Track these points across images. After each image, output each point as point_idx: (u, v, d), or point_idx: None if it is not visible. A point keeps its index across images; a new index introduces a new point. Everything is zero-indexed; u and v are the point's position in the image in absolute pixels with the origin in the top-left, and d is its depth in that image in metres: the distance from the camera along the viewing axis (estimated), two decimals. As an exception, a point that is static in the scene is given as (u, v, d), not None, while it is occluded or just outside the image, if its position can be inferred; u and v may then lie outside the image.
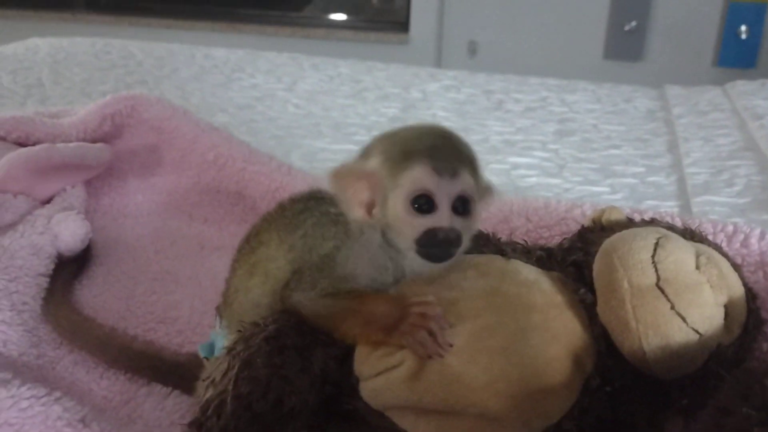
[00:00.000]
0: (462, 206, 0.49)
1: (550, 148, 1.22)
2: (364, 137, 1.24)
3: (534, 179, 1.08)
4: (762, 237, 0.61)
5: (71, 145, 0.88)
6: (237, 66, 1.62)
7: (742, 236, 0.61)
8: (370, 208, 0.50)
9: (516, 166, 1.13)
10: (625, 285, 0.47)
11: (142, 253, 0.81)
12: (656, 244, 0.48)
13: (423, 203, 0.48)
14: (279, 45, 2.25)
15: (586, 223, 0.60)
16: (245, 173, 0.88)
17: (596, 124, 1.36)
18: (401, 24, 2.59)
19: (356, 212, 0.50)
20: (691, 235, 0.54)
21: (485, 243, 0.56)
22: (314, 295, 0.50)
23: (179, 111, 0.95)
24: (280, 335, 0.49)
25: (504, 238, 0.59)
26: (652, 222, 0.57)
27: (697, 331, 0.46)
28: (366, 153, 0.52)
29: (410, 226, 0.49)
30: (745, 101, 1.35)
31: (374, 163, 0.50)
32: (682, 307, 0.46)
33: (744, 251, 0.60)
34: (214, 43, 1.89)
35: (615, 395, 0.49)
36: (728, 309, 0.50)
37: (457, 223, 0.49)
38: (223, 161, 0.90)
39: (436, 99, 1.48)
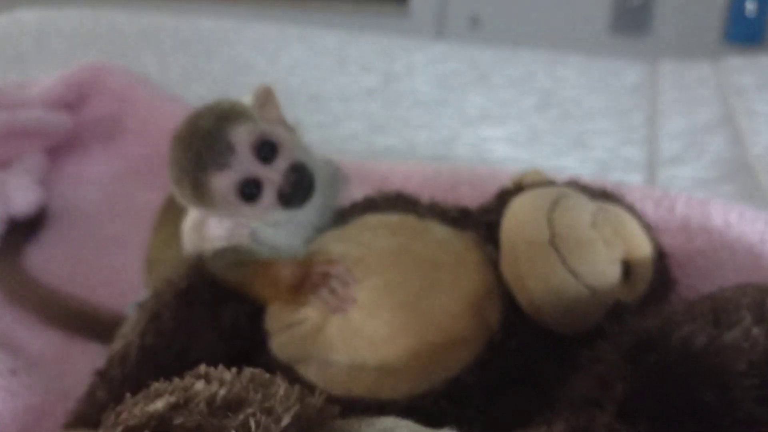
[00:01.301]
0: (267, 152, 0.51)
1: (526, 121, 1.23)
2: (341, 109, 1.28)
3: (503, 152, 1.11)
4: (687, 203, 0.63)
5: (32, 112, 0.91)
6: (222, 37, 1.65)
7: (668, 201, 0.64)
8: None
9: (486, 139, 1.15)
10: (521, 242, 0.50)
11: (96, 218, 0.85)
12: (553, 202, 0.50)
13: (245, 192, 0.51)
14: (276, 15, 2.28)
15: (511, 186, 0.62)
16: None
17: (578, 97, 1.37)
18: (400, -4, 2.60)
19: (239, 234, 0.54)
20: (605, 196, 0.56)
21: (403, 204, 0.58)
22: (223, 266, 0.53)
23: (141, 80, 0.98)
24: (190, 291, 0.52)
25: (425, 201, 0.61)
26: (571, 183, 0.59)
27: (588, 287, 0.49)
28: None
29: (251, 213, 0.52)
30: (731, 77, 1.36)
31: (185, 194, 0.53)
32: (573, 262, 0.49)
33: (668, 216, 0.63)
34: (209, 12, 1.92)
35: (519, 351, 0.52)
36: (632, 267, 0.52)
37: (275, 169, 0.51)
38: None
39: (420, 71, 1.50)
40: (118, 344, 0.52)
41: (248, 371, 0.35)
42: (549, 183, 0.60)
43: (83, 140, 0.99)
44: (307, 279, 0.51)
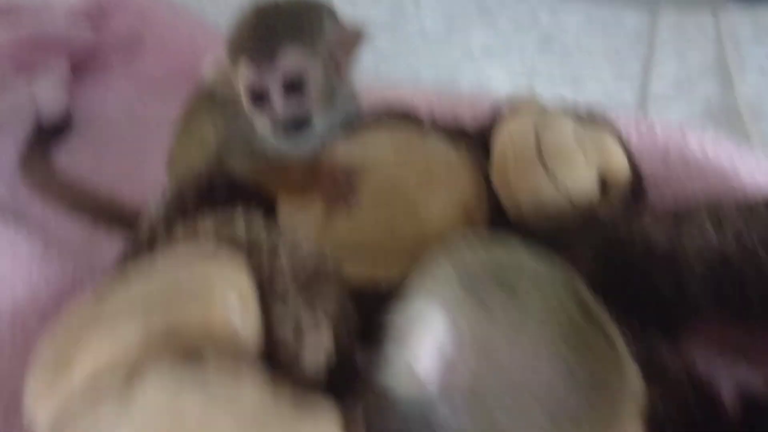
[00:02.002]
0: (294, 87, 0.54)
1: (527, 61, 1.27)
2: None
3: (504, 87, 1.15)
4: (668, 132, 0.68)
5: (57, 21, 0.95)
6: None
7: (650, 128, 0.69)
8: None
9: (489, 77, 1.19)
10: (511, 154, 0.55)
11: (118, 127, 0.90)
12: (542, 121, 0.56)
13: (258, 96, 0.54)
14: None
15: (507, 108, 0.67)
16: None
17: (579, 40, 1.40)
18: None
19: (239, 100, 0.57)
20: (590, 119, 0.61)
21: (406, 118, 0.63)
22: (239, 164, 0.58)
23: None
24: (210, 182, 0.57)
25: (427, 119, 0.66)
26: (560, 108, 0.64)
27: (568, 197, 0.54)
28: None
29: (259, 121, 0.56)
30: (730, 24, 1.39)
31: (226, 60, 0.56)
32: (555, 172, 0.54)
33: (649, 141, 0.68)
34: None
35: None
36: (608, 183, 0.57)
37: (293, 105, 0.55)
38: (198, 48, 0.97)
39: (427, 4, 1.51)
40: (144, 223, 0.57)
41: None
42: (541, 106, 0.64)
43: (104, 56, 1.03)
44: (316, 179, 0.56)
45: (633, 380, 0.31)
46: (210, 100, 0.62)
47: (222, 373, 0.25)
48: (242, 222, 0.35)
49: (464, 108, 0.83)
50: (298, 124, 0.55)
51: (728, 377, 0.46)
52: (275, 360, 0.30)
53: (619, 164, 0.58)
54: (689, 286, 0.46)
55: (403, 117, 0.64)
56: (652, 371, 0.40)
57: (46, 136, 0.82)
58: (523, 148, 0.55)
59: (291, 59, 0.53)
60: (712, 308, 0.47)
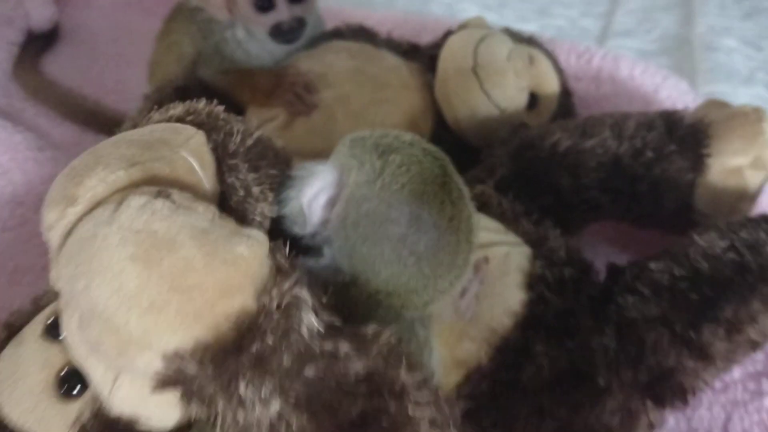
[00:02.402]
0: None
1: (500, -13, 1.33)
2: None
3: (473, 13, 1.21)
4: (603, 57, 0.76)
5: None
6: None
7: (588, 55, 0.77)
8: (231, 8, 0.64)
9: (460, 9, 1.25)
10: (450, 68, 0.64)
11: (102, 38, 0.97)
12: (480, 38, 0.64)
13: (263, 3, 0.62)
14: None
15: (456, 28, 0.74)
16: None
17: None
18: None
19: (220, 13, 0.64)
20: (529, 42, 0.69)
21: (363, 35, 0.71)
22: (212, 72, 0.66)
23: None
24: (186, 88, 0.65)
25: (383, 35, 0.74)
26: (506, 30, 0.72)
27: (498, 106, 0.63)
28: None
29: (260, 24, 0.63)
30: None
31: None
32: (488, 86, 0.63)
33: (586, 66, 0.76)
34: None
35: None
36: (539, 99, 0.66)
37: (296, 9, 0.63)
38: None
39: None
40: (127, 123, 0.65)
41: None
42: (487, 25, 0.72)
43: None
44: (279, 86, 0.64)
45: (473, 235, 0.40)
46: (187, 15, 0.69)
47: (183, 203, 0.34)
48: (206, 108, 0.43)
49: (427, 30, 0.90)
50: (297, 27, 0.63)
51: (604, 257, 0.56)
52: (227, 207, 0.39)
53: (549, 81, 0.66)
54: (586, 184, 0.55)
55: (360, 30, 0.72)
56: (535, 242, 0.49)
57: (36, 44, 0.90)
58: (461, 59, 0.63)
59: None
60: (607, 206, 0.56)
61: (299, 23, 0.64)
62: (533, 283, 0.47)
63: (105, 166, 0.36)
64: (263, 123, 0.65)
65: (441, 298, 0.41)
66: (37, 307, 0.44)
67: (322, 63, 0.66)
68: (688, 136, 0.57)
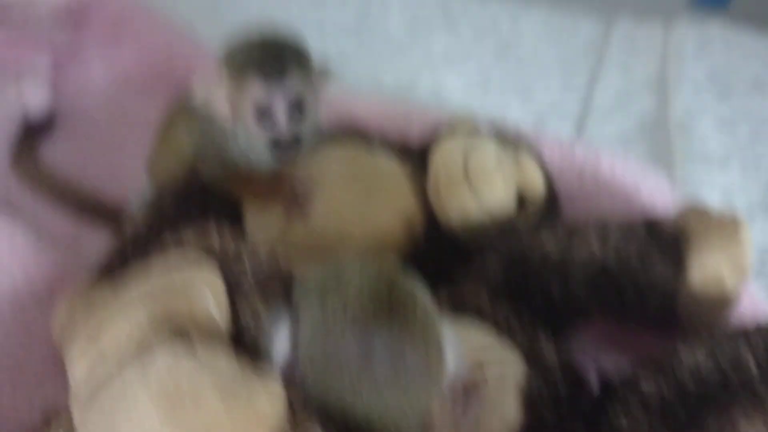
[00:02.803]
0: (297, 111, 0.66)
1: (484, 68, 1.38)
2: (318, 41, 1.42)
3: (457, 98, 1.26)
4: (585, 153, 0.80)
5: (40, 23, 1.05)
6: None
7: (570, 149, 0.81)
8: (233, 113, 0.66)
9: (447, 82, 1.31)
10: (443, 177, 0.67)
11: (99, 123, 1.00)
12: (469, 146, 0.68)
13: (263, 113, 0.65)
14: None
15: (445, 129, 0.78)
16: (191, 61, 1.06)
17: (536, 48, 1.52)
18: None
19: (224, 116, 0.67)
20: (515, 141, 0.73)
21: (358, 138, 0.75)
22: (211, 173, 0.69)
23: (139, 2, 1.11)
24: (186, 189, 0.68)
25: (377, 136, 0.78)
26: (492, 127, 0.76)
27: (488, 213, 0.66)
28: (220, 70, 0.67)
29: (258, 134, 0.66)
30: (677, 39, 1.51)
31: (225, 81, 0.65)
32: (478, 190, 0.66)
33: (570, 161, 0.80)
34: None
35: (437, 256, 0.70)
36: (526, 197, 0.69)
37: (294, 126, 0.66)
38: (174, 51, 1.07)
39: (393, 10, 1.62)
40: (128, 224, 0.68)
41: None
42: (474, 128, 0.76)
43: (84, 52, 1.12)
44: (277, 189, 0.67)
45: (439, 356, 0.41)
46: (187, 112, 0.72)
47: (204, 347, 0.37)
48: (215, 233, 0.46)
49: (414, 121, 0.94)
50: (294, 142, 0.66)
51: (596, 363, 0.59)
52: (241, 341, 0.42)
53: (536, 182, 0.71)
54: (575, 290, 0.59)
55: (354, 134, 0.76)
56: (530, 356, 0.52)
57: (33, 132, 0.92)
58: (452, 169, 0.67)
59: (297, 81, 0.63)
60: (595, 310, 0.60)
61: (297, 140, 0.67)
62: (530, 402, 0.50)
63: (126, 306, 0.39)
64: (261, 225, 0.68)
65: (430, 413, 0.43)
66: (48, 426, 0.46)
67: (318, 168, 0.70)
68: (670, 246, 0.60)
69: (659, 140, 1.13)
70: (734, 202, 0.98)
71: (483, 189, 0.66)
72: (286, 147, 0.67)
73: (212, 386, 0.36)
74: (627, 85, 1.34)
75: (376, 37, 1.48)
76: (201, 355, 0.37)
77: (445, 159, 0.68)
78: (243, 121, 0.66)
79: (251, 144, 0.68)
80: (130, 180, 0.89)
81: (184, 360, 0.36)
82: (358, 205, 0.68)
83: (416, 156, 0.75)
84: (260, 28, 0.68)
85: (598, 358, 0.60)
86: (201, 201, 0.68)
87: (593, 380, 0.54)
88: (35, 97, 0.94)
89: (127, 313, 0.38)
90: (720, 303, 0.59)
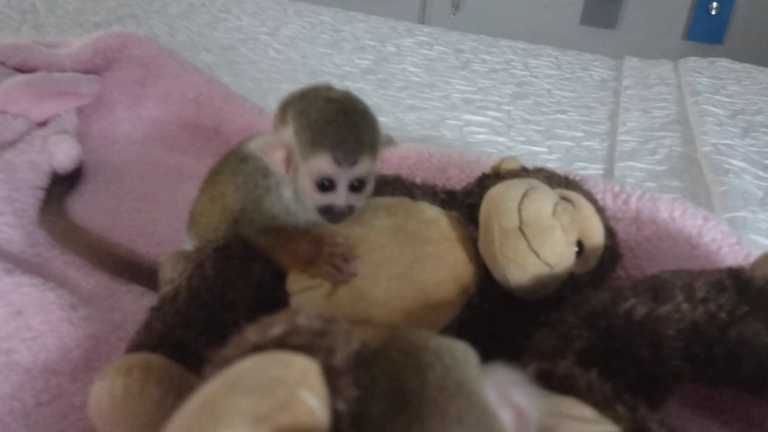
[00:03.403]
0: (358, 185, 0.60)
1: (504, 109, 1.33)
2: (337, 86, 1.36)
3: (483, 137, 1.20)
4: (640, 197, 0.74)
5: (66, 74, 0.99)
6: (224, 6, 1.71)
7: (625, 195, 0.74)
8: (287, 167, 0.60)
9: (469, 123, 1.25)
10: (496, 227, 0.60)
11: (127, 175, 0.93)
12: (524, 194, 0.60)
13: (325, 184, 0.59)
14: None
15: (487, 171, 0.72)
16: (222, 112, 1.00)
17: (551, 89, 1.47)
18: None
19: (277, 170, 0.60)
20: (567, 184, 0.67)
21: (399, 186, 0.68)
22: (252, 231, 0.62)
23: (165, 50, 1.05)
24: (227, 248, 0.61)
25: (418, 181, 0.71)
26: (541, 171, 0.69)
27: (548, 264, 0.59)
28: (282, 117, 0.60)
29: (313, 199, 0.60)
30: (690, 77, 1.47)
31: (289, 135, 0.59)
32: (537, 245, 0.59)
33: (624, 207, 0.74)
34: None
35: (492, 312, 0.62)
36: (585, 246, 0.62)
37: (352, 198, 0.60)
38: (203, 100, 1.01)
39: (409, 54, 1.58)
40: (168, 287, 0.61)
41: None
42: (522, 170, 0.69)
43: (109, 102, 1.06)
44: (318, 255, 0.60)
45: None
46: (234, 167, 0.65)
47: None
48: (308, 323, 0.38)
49: (452, 168, 0.88)
50: (348, 212, 0.60)
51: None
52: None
53: (595, 229, 0.63)
54: (665, 352, 0.51)
55: (395, 182, 0.69)
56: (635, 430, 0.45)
57: (61, 186, 0.85)
58: (506, 223, 0.59)
59: (365, 165, 0.59)
60: (686, 371, 0.53)
61: (351, 210, 0.61)
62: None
63: (227, 425, 0.31)
64: (305, 290, 0.61)
65: None
66: None
67: (362, 224, 0.62)
68: (760, 296, 0.53)
69: (691, 179, 1.07)
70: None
71: (541, 240, 0.59)
72: (339, 216, 0.61)
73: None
74: (649, 123, 1.28)
75: (394, 78, 1.42)
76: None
77: (497, 206, 0.60)
78: (300, 184, 0.60)
79: (297, 199, 0.62)
80: (162, 234, 0.82)
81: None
82: (405, 262, 0.60)
83: (461, 203, 0.68)
84: (335, 93, 0.61)
85: (684, 422, 0.52)
86: (243, 260, 0.61)
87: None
88: (63, 149, 0.87)
89: (230, 422, 0.30)
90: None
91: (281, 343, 0.37)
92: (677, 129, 1.25)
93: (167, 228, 0.82)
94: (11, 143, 0.89)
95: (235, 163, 0.65)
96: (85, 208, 0.85)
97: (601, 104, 1.41)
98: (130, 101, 1.06)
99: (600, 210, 0.66)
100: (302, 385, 0.34)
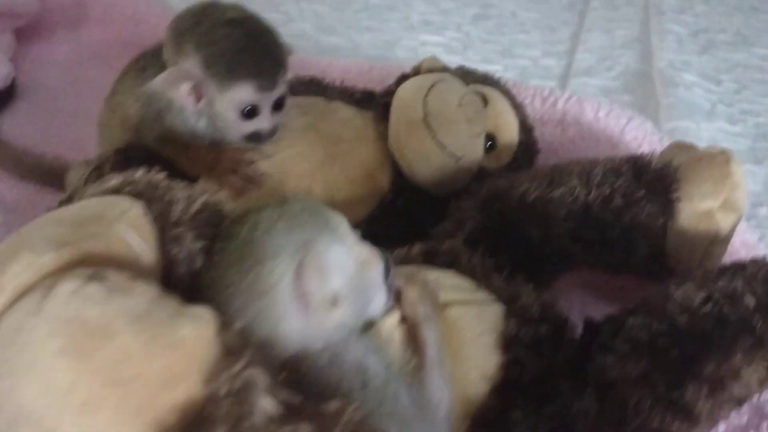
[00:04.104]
0: (278, 104, 0.60)
1: (463, 30, 1.32)
2: (293, 9, 1.35)
3: (438, 56, 1.19)
4: (567, 100, 0.74)
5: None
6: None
7: (553, 98, 0.75)
8: (197, 99, 0.59)
9: (425, 44, 1.24)
10: (402, 120, 0.61)
11: (61, 94, 0.93)
12: (429, 87, 0.61)
13: (249, 111, 0.59)
14: None
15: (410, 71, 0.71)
16: (158, 29, 0.99)
17: (516, 10, 1.45)
18: None
19: (185, 103, 0.59)
20: (484, 81, 0.67)
21: (313, 87, 0.68)
22: (152, 139, 0.62)
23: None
24: (128, 150, 0.62)
25: (336, 83, 0.71)
26: (461, 69, 0.69)
27: (453, 155, 0.60)
28: (179, 47, 0.59)
29: (238, 127, 0.60)
30: (658, -1, 1.45)
31: (193, 66, 0.57)
32: (441, 136, 0.59)
33: (551, 110, 0.74)
34: None
35: (406, 209, 0.63)
36: (497, 141, 0.63)
37: (277, 117, 0.60)
38: (140, 17, 1.00)
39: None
40: (67, 190, 0.61)
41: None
42: (442, 69, 0.69)
43: (48, 24, 1.06)
44: (219, 163, 0.60)
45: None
46: (133, 76, 0.65)
47: (119, 285, 0.31)
48: (144, 177, 0.40)
49: (392, 79, 0.88)
50: (271, 133, 0.60)
51: (582, 311, 0.52)
52: (172, 279, 0.36)
53: (508, 122, 0.63)
54: (556, 233, 0.52)
55: (311, 83, 0.69)
56: (509, 300, 0.46)
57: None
58: (412, 115, 0.60)
59: (283, 83, 0.59)
60: (580, 256, 0.54)
61: (274, 131, 0.61)
62: (508, 343, 0.44)
63: (31, 249, 0.32)
64: (214, 190, 0.61)
65: None
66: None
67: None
68: (656, 180, 0.54)
69: (644, 94, 1.07)
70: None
71: (445, 131, 0.59)
72: (264, 138, 0.61)
73: (125, 313, 0.29)
74: (610, 42, 1.27)
75: (353, 2, 1.41)
76: (112, 282, 0.31)
77: (403, 100, 0.61)
78: (220, 114, 0.59)
79: (210, 124, 0.61)
80: (92, 150, 0.83)
81: (91, 286, 0.30)
82: (317, 160, 0.61)
83: (379, 104, 0.68)
84: (232, 13, 0.59)
85: (585, 307, 0.54)
86: (143, 163, 0.61)
87: (577, 325, 0.48)
88: (-6, 70, 0.88)
89: (33, 259, 0.32)
90: (712, 241, 0.53)
91: (117, 192, 0.38)
92: (636, 47, 1.24)
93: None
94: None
95: (136, 72, 0.65)
96: (16, 125, 0.86)
97: (565, 25, 1.40)
98: (69, 22, 1.05)
99: (517, 106, 0.67)
100: (121, 222, 0.35)
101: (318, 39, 1.24)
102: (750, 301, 0.42)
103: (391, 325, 0.40)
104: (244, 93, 0.58)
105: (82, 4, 1.06)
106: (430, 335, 0.41)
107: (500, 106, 0.64)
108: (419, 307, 0.41)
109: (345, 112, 0.65)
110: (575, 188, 0.54)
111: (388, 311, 0.41)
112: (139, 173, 0.40)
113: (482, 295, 0.46)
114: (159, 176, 0.41)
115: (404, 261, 0.49)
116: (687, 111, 0.95)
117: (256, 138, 0.61)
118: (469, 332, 0.43)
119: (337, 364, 0.38)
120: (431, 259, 0.49)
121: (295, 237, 0.37)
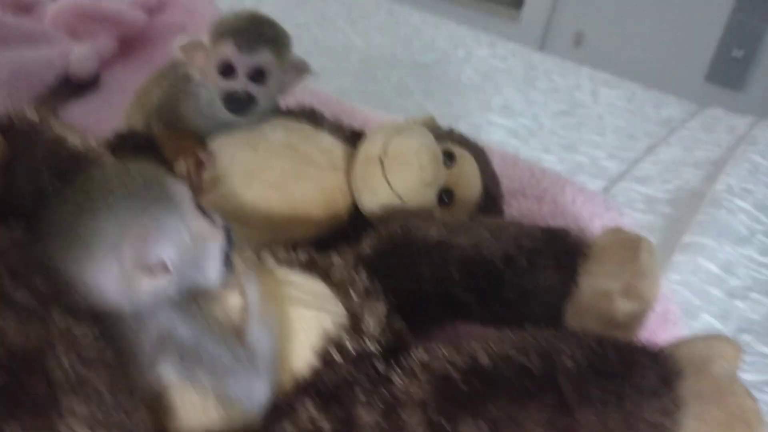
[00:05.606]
0: (258, 76, 0.67)
1: (538, 120, 1.36)
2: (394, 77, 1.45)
3: (496, 137, 1.24)
4: (553, 180, 0.77)
5: (114, 4, 1.14)
6: None
7: (539, 174, 0.77)
8: (204, 69, 0.68)
9: (491, 123, 1.29)
10: (363, 152, 0.66)
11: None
12: (397, 131, 0.66)
13: (225, 69, 0.67)
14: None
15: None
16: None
17: (603, 115, 1.47)
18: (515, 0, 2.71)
19: (195, 73, 0.68)
20: (460, 141, 0.71)
21: (310, 115, 0.75)
22: (160, 126, 0.71)
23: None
24: (127, 135, 0.71)
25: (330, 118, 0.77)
26: (450, 132, 0.74)
27: (398, 196, 0.64)
28: (210, 35, 0.68)
29: (217, 85, 0.68)
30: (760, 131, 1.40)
31: (207, 39, 0.67)
32: (390, 175, 0.64)
33: (535, 185, 0.77)
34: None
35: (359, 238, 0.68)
36: (456, 196, 0.67)
37: (252, 88, 0.67)
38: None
39: (477, 60, 1.64)
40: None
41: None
42: (435, 127, 0.74)
43: (152, 40, 1.21)
44: (180, 153, 0.67)
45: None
46: (164, 72, 0.75)
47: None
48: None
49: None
50: (247, 101, 0.67)
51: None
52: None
53: (469, 182, 0.67)
54: (449, 278, 0.55)
55: (308, 112, 0.76)
56: (354, 318, 0.49)
57: (67, 90, 1.00)
58: (371, 150, 0.65)
59: (265, 56, 0.66)
60: (474, 308, 0.55)
61: (250, 98, 0.68)
62: (327, 348, 0.47)
63: None
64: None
65: None
66: None
67: (257, 132, 0.70)
68: (566, 252, 0.56)
69: (687, 211, 1.05)
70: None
71: (395, 171, 0.63)
72: (239, 102, 0.68)
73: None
74: (682, 159, 1.26)
75: (447, 76, 1.49)
76: None
77: (370, 140, 0.67)
78: (208, 74, 0.68)
79: (210, 100, 0.70)
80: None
81: None
82: (282, 174, 0.67)
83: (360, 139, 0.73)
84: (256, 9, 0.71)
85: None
86: (134, 150, 0.69)
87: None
88: (80, 62, 1.02)
89: None
90: (608, 323, 0.53)
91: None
92: (707, 169, 1.22)
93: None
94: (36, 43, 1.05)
95: (167, 68, 0.75)
96: (81, 114, 0.98)
97: (648, 137, 1.40)
98: (169, 39, 1.20)
99: (486, 170, 0.70)
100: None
101: (391, 99, 1.33)
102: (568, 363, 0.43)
103: (228, 294, 0.45)
104: (224, 49, 0.66)
105: (185, 27, 1.20)
106: (250, 289, 0.45)
107: (467, 165, 0.68)
108: (241, 265, 0.45)
109: (327, 141, 0.71)
110: (482, 240, 0.56)
111: (226, 282, 0.45)
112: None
113: (331, 306, 0.50)
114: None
115: (287, 263, 0.54)
116: (715, 231, 0.93)
117: (234, 103, 0.67)
118: (299, 326, 0.47)
119: (141, 329, 0.42)
120: (310, 266, 0.54)
121: (131, 202, 0.42)
